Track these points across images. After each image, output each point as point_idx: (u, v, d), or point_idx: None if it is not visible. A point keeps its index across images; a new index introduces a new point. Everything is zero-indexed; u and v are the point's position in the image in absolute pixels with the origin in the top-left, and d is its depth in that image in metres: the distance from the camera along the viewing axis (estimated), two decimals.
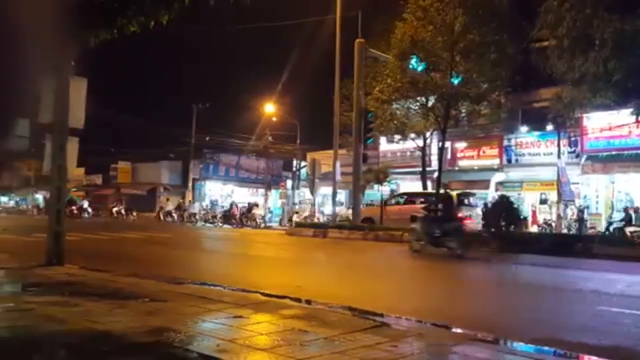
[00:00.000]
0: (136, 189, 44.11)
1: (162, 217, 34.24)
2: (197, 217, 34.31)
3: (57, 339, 3.59)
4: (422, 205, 16.59)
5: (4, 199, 56.19)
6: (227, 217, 31.70)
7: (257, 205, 33.30)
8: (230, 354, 3.30)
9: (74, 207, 35.61)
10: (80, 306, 4.75)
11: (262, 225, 30.45)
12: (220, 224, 31.05)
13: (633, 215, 18.34)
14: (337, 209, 24.98)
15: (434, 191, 20.50)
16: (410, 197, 21.64)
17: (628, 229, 17.11)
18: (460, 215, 14.95)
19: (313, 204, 30.72)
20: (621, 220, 18.43)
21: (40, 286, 5.98)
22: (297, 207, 35.73)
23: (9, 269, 7.41)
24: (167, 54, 50.79)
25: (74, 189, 43.09)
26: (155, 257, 11.66)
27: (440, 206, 14.65)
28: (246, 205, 33.50)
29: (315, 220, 27.43)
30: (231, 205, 33.46)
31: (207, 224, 31.67)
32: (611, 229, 18.80)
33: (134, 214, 36.18)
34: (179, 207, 35.38)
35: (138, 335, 3.73)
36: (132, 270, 7.59)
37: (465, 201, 19.45)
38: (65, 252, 7.86)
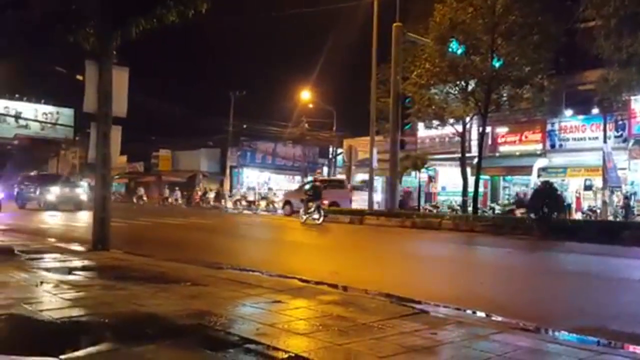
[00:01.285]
0: (176, 176, 45.11)
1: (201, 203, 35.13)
2: (239, 203, 34.94)
3: (105, 321, 3.72)
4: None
5: None
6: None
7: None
8: (270, 337, 3.35)
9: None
10: (126, 290, 4.91)
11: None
12: (257, 210, 31.55)
13: None
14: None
15: (337, 178, 29.12)
16: (321, 183, 24.42)
17: None
18: (324, 197, 20.96)
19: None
20: None
21: (88, 270, 6.21)
22: None
23: (57, 254, 7.71)
24: (206, 43, 51.31)
25: (117, 176, 44.45)
26: (195, 243, 11.93)
27: (311, 191, 20.30)
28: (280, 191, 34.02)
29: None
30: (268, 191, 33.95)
31: (245, 211, 32.13)
32: None
33: (179, 199, 37.37)
34: (218, 194, 36.10)
35: (181, 318, 3.83)
36: (174, 255, 7.79)
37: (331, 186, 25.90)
38: (110, 237, 8.13)
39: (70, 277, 5.70)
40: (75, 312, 4.05)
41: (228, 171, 42.87)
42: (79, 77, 16.35)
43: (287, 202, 27.64)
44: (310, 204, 19.60)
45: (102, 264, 6.68)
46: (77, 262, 6.84)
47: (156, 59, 47.05)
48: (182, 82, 54.86)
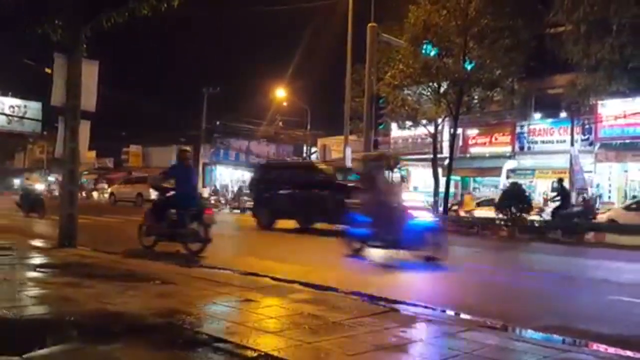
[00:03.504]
0: (147, 172, 44.38)
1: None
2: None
3: (71, 319, 3.64)
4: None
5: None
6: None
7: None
8: (240, 336, 3.33)
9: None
10: (93, 287, 4.82)
11: None
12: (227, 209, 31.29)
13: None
14: None
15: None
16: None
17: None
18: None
19: None
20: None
21: (54, 267, 6.07)
22: None
23: (21, 251, 7.51)
24: (178, 37, 50.72)
25: (85, 172, 43.48)
26: None
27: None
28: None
29: None
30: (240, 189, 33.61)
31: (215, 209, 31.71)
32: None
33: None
34: (214, 191, 35.30)
35: (149, 316, 3.78)
36: (143, 253, 7.67)
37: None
38: (77, 234, 7.96)
39: (36, 275, 5.57)
40: (40, 309, 3.96)
41: (201, 168, 42.43)
42: (48, 70, 15.93)
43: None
44: None
45: (69, 261, 6.53)
46: (42, 259, 6.68)
47: (127, 53, 46.20)
48: (154, 77, 54.07)
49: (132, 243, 8.70)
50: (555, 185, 18.93)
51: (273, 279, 5.79)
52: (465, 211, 22.45)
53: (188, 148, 12.79)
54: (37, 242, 8.69)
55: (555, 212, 16.89)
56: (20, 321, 3.57)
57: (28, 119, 44.31)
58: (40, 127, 44.58)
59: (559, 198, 17.04)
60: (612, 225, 16.69)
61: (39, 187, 18.31)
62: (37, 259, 6.70)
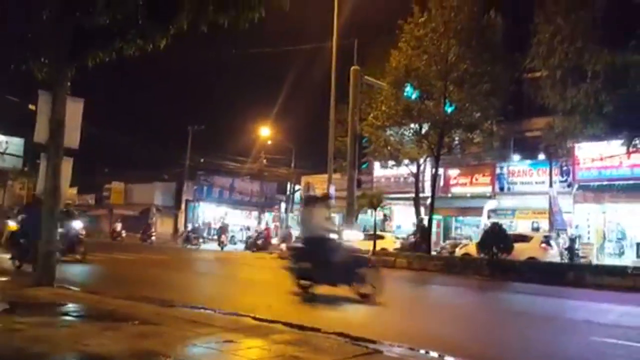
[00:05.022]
0: (129, 209, 43.88)
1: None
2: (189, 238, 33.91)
3: None
4: None
5: None
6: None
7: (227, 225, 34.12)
8: None
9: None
10: (69, 327, 4.71)
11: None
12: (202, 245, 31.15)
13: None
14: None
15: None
16: None
17: None
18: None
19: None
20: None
21: (30, 307, 5.92)
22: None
23: None
24: (164, 76, 51.12)
25: (65, 209, 42.75)
26: (148, 279, 11.55)
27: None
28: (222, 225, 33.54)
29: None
30: (221, 227, 33.32)
31: (189, 246, 31.32)
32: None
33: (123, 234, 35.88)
34: (193, 230, 34.65)
35: (127, 358, 3.70)
36: (123, 292, 7.52)
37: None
38: (55, 272, 7.79)
39: (8, 315, 5.41)
40: (9, 351, 3.85)
41: (184, 205, 42.11)
42: (31, 107, 15.88)
43: None
44: None
45: (45, 301, 6.38)
46: (17, 299, 6.51)
47: (112, 89, 46.40)
48: (139, 113, 54.19)
49: (113, 283, 8.54)
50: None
51: (254, 318, 5.72)
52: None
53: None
54: (11, 280, 8.47)
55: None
56: None
57: (9, 154, 43.82)
58: (21, 163, 44.07)
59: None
60: (593, 266, 16.88)
61: (77, 224, 14.77)
62: (10, 298, 6.52)
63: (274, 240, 30.25)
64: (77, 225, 14.71)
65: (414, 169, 23.56)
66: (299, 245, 9.76)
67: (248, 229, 35.24)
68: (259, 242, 29.85)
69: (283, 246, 22.68)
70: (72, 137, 8.18)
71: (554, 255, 18.73)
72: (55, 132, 7.79)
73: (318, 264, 8.80)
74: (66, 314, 5.40)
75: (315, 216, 9.19)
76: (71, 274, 9.55)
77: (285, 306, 7.97)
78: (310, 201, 10.32)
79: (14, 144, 43.83)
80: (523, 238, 19.00)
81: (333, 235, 9.16)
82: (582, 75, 15.29)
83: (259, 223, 38.76)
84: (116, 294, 7.27)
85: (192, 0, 7.12)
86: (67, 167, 8.12)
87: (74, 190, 42.26)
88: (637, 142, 16.44)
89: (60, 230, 12.90)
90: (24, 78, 9.45)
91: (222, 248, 29.66)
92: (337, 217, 26.02)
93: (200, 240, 32.59)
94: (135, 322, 5.14)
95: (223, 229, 32.00)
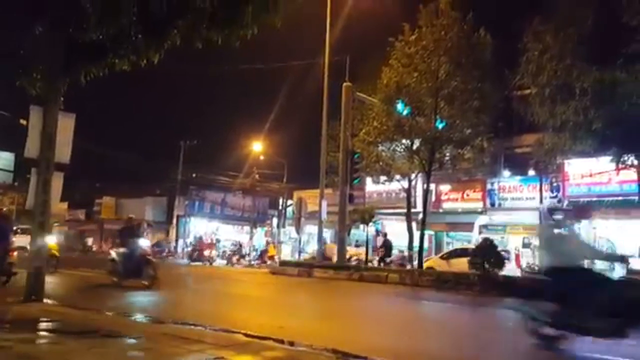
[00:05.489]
0: (119, 224, 43.57)
1: None
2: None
3: None
4: None
5: None
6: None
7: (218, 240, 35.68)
8: None
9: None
10: (58, 344, 4.67)
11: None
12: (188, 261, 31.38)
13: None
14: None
15: None
16: None
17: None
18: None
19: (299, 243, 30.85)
20: None
21: (18, 323, 5.85)
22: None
23: None
24: (157, 91, 51.18)
25: (56, 224, 42.39)
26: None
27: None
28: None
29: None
30: (199, 239, 33.89)
31: (178, 260, 31.88)
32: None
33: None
34: (157, 244, 34.65)
35: None
36: (114, 308, 7.46)
37: None
38: (44, 288, 7.73)
39: None
40: None
41: (175, 220, 41.88)
42: (23, 121, 15.83)
43: None
44: None
45: (34, 317, 6.31)
46: (5, 315, 6.43)
47: (104, 103, 46.39)
48: (132, 129, 54.11)
49: (102, 298, 8.46)
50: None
51: (246, 335, 5.69)
52: (269, 257, 27.65)
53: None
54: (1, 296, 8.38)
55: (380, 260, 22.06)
56: None
57: None
58: (11, 177, 43.74)
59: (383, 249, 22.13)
60: None
61: (143, 242, 13.24)
62: (1, 315, 6.45)
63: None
64: (144, 243, 13.17)
65: (405, 184, 23.64)
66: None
67: (240, 244, 35.16)
68: (195, 254, 32.15)
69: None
70: (63, 152, 8.17)
71: None
72: (46, 147, 7.78)
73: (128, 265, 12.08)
74: (54, 329, 5.35)
75: (125, 233, 11.00)
76: (57, 290, 9.43)
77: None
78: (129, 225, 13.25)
79: (4, 158, 43.49)
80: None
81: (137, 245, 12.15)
82: (570, 93, 15.47)
83: (251, 238, 38.64)
84: (105, 310, 7.22)
85: (185, 17, 7.19)
86: (57, 182, 8.10)
87: (65, 205, 41.96)
88: (626, 158, 16.62)
89: (122, 250, 12.52)
90: (14, 93, 9.46)
91: (211, 263, 29.81)
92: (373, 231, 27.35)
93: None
94: (125, 339, 5.11)
95: (202, 244, 32.83)
